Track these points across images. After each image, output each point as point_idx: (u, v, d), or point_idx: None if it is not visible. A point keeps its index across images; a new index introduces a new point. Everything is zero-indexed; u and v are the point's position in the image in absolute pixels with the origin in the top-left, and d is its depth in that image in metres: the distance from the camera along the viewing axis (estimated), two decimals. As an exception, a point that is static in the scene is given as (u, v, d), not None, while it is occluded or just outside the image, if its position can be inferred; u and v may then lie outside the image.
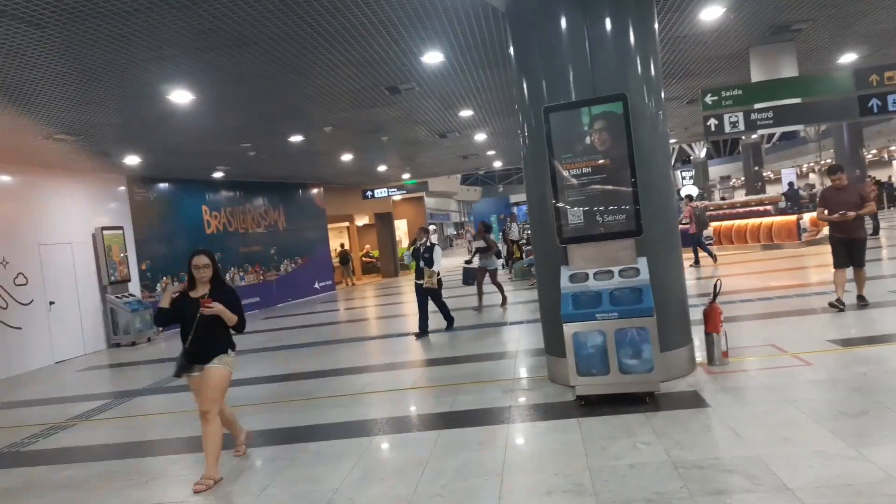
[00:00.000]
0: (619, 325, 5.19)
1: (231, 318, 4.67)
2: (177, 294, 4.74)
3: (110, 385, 9.55)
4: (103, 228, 13.29)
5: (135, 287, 14.05)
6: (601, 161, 5.65)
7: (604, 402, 5.23)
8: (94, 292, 13.08)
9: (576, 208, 5.70)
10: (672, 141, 27.43)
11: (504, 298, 12.36)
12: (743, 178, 35.03)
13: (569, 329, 5.32)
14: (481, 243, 12.60)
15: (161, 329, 13.96)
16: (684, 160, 46.19)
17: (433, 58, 8.17)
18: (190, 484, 4.54)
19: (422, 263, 9.85)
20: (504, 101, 11.13)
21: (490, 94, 10.61)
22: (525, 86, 6.21)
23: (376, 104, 10.35)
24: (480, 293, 12.62)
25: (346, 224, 26.03)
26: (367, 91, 9.46)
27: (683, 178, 35.76)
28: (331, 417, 5.98)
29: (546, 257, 6.21)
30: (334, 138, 13.05)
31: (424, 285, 9.81)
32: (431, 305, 10.11)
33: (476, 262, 12.68)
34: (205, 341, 4.65)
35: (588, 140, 5.67)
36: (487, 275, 12.54)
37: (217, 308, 4.56)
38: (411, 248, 10.58)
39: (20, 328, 11.11)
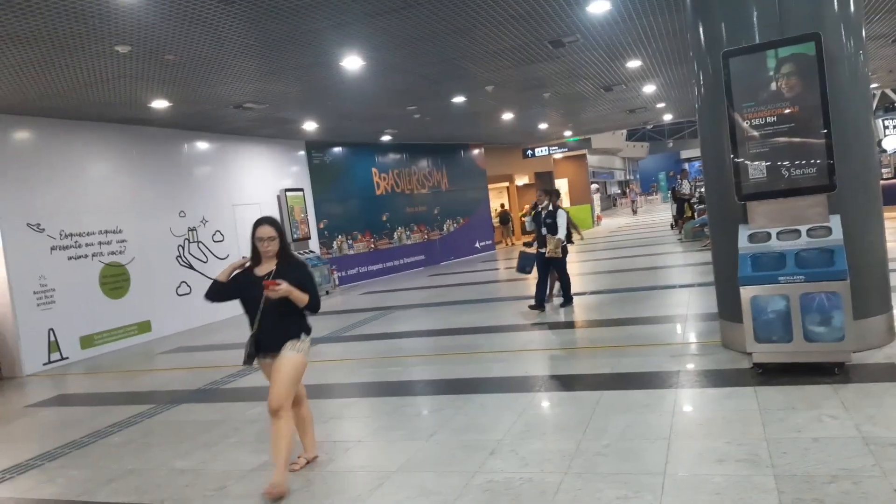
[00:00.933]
0: (805, 288, 4.74)
1: (301, 297, 3.97)
2: (240, 269, 4.12)
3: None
4: (286, 190, 14.44)
5: (314, 244, 15.19)
6: (788, 110, 5.12)
7: (784, 371, 4.84)
8: (279, 249, 14.27)
9: (758, 162, 5.24)
10: (874, 86, 24.22)
11: (567, 298, 9.20)
12: (964, 126, 30.17)
13: (747, 293, 4.95)
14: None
15: (338, 283, 15.05)
16: (888, 107, 40.75)
17: (599, 7, 7.81)
18: (365, 425, 4.87)
19: (544, 230, 8.91)
20: (677, 49, 10.41)
21: (661, 41, 9.97)
22: (701, 30, 5.76)
23: (538, 59, 10.15)
24: (551, 286, 9.60)
25: (507, 184, 26.07)
26: (529, 47, 9.29)
27: (886, 127, 31.58)
28: (494, 372, 6.10)
29: (722, 215, 5.80)
30: (496, 97, 13.02)
31: (547, 254, 8.83)
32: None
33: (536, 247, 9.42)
34: (273, 325, 4.05)
35: (773, 87, 5.16)
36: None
37: (283, 289, 3.86)
38: (531, 213, 9.47)
39: (219, 280, 12.44)
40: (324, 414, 5.52)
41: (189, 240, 11.93)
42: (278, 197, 14.39)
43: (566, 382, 5.65)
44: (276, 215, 14.26)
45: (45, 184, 9.57)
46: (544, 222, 8.93)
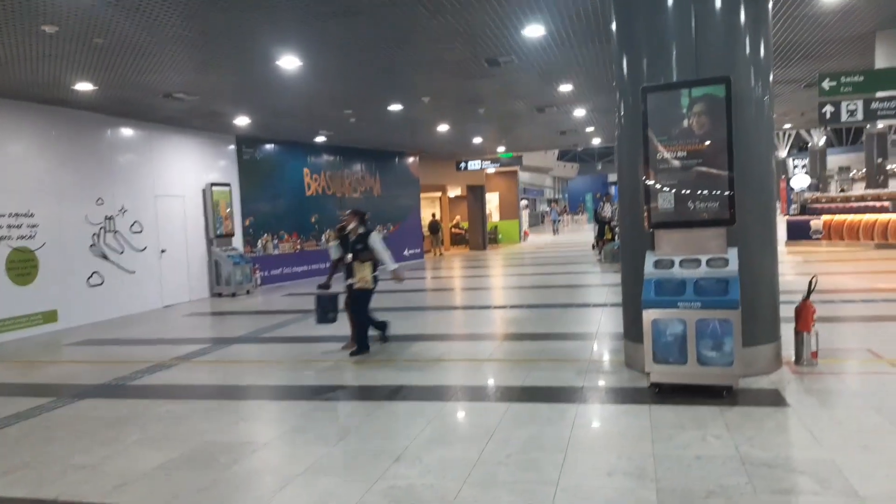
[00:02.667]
0: (701, 315, 5.09)
1: None
2: None
3: (210, 331, 10.27)
4: (212, 184, 14.13)
5: (238, 241, 14.91)
6: (698, 145, 5.49)
7: (678, 391, 5.16)
8: (201, 244, 13.98)
9: (667, 192, 5.58)
10: (787, 126, 25.85)
11: (362, 345, 7.48)
12: (864, 171, 32.61)
13: (648, 315, 5.26)
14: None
15: (260, 282, 14.86)
16: (801, 147, 43.38)
17: (534, 31, 8.11)
18: (274, 427, 4.87)
19: (348, 258, 7.44)
20: (605, 78, 10.89)
21: (591, 69, 10.41)
22: (625, 63, 6.09)
23: (475, 76, 10.39)
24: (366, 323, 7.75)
25: (439, 194, 26.33)
26: (466, 62, 9.51)
27: (796, 166, 33.72)
28: (408, 380, 6.21)
29: (632, 241, 6.13)
30: (432, 108, 13.21)
31: (356, 285, 7.37)
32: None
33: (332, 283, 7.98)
34: None
35: (686, 123, 5.51)
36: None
37: None
38: (337, 237, 7.84)
39: (134, 272, 12.09)
40: (234, 415, 5.49)
41: (105, 228, 11.50)
42: (203, 191, 14.06)
43: (477, 393, 5.81)
44: (200, 209, 13.95)
45: (-50, 160, 9.07)
46: (352, 247, 7.45)
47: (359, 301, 7.48)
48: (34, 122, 10.33)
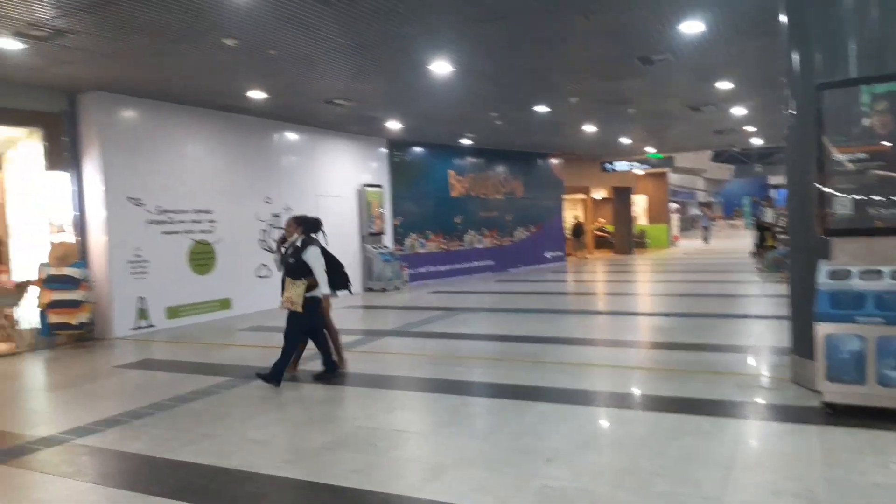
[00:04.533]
0: (883, 331, 4.63)
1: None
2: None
3: (364, 323, 10.83)
4: (366, 185, 14.88)
5: (388, 240, 15.59)
6: (881, 146, 5.00)
7: (855, 413, 4.73)
8: (355, 241, 14.78)
9: (845, 197, 5.13)
10: None
11: (329, 364, 6.80)
12: None
13: (822, 329, 4.87)
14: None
15: (408, 279, 15.47)
16: None
17: (692, 27, 7.76)
18: (426, 418, 5.05)
19: (281, 271, 6.72)
20: (770, 74, 10.18)
21: (754, 65, 9.78)
22: (796, 58, 5.67)
23: (626, 75, 10.13)
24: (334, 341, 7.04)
25: (582, 196, 25.88)
26: (617, 61, 9.31)
27: None
28: (556, 383, 6.18)
29: (803, 249, 5.69)
30: (578, 109, 13.04)
31: (282, 305, 6.52)
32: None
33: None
34: None
35: (867, 122, 5.05)
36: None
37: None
38: (279, 248, 6.93)
39: (296, 266, 13.00)
40: (387, 404, 5.76)
41: (272, 225, 12.49)
42: (358, 191, 14.84)
43: (628, 400, 5.68)
44: (355, 209, 14.74)
45: (147, 161, 10.25)
46: (284, 261, 6.66)
47: (288, 323, 6.51)
48: (213, 127, 11.43)
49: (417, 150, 16.75)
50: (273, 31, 7.18)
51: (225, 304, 11.44)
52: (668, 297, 12.50)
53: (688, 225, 40.52)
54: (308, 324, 6.55)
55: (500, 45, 8.28)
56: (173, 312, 10.56)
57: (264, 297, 12.08)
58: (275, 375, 6.39)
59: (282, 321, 10.14)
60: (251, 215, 12.08)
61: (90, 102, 9.65)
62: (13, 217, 9.75)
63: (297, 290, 6.35)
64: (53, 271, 8.95)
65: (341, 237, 14.31)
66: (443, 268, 17.14)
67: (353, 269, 14.51)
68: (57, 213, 9.56)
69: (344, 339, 8.82)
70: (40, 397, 7.02)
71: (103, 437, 5.07)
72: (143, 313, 10.08)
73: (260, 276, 12.16)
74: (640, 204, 28.29)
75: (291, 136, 13.17)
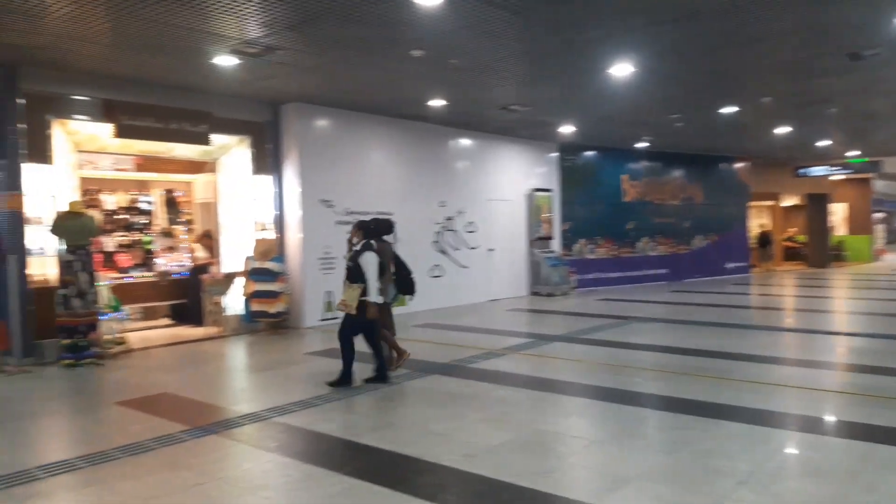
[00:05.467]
0: None
1: None
2: None
3: (532, 327, 10.84)
4: (535, 190, 14.91)
5: (556, 245, 15.49)
6: None
7: None
8: (523, 245, 14.85)
9: None
10: None
11: (380, 374, 6.75)
12: None
13: None
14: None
15: (575, 285, 15.28)
16: None
17: (916, 16, 6.90)
18: (604, 427, 4.94)
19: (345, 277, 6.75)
20: None
21: None
22: None
23: (829, 73, 9.24)
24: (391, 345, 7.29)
25: (770, 203, 23.90)
26: (819, 59, 8.52)
27: None
28: (745, 401, 5.76)
29: None
30: (771, 110, 12.10)
31: (336, 306, 6.79)
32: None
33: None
34: None
35: None
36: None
37: None
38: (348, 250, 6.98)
39: (467, 267, 13.35)
40: (563, 409, 5.72)
41: (446, 228, 12.91)
42: (527, 195, 14.90)
43: (829, 427, 5.16)
44: (523, 213, 14.82)
45: (337, 167, 11.05)
46: (347, 265, 6.73)
47: (342, 325, 6.68)
48: (394, 134, 12.05)
49: (589, 154, 16.47)
50: (457, 40, 7.42)
51: (401, 300, 11.94)
52: (870, 317, 11.19)
53: (894, 237, 35.95)
54: (361, 326, 6.57)
55: (687, 46, 7.91)
56: (354, 307, 11.27)
57: (437, 295, 12.54)
58: (341, 376, 6.58)
59: (453, 319, 10.44)
60: (426, 217, 12.58)
61: (290, 112, 10.60)
62: (224, 215, 10.96)
63: (353, 293, 6.48)
64: (257, 265, 9.94)
65: (509, 240, 14.47)
66: (613, 275, 16.68)
67: (519, 273, 14.67)
68: (261, 212, 10.61)
69: (513, 341, 8.96)
70: (243, 377, 7.83)
71: (298, 417, 5.54)
72: (329, 306, 10.87)
73: (433, 276, 12.62)
74: (838, 213, 25.59)
75: (465, 141, 13.53)
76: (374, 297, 6.43)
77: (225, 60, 8.00)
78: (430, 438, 4.91)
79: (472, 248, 13.51)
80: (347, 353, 6.60)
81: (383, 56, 8.00)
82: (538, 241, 14.93)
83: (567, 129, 13.86)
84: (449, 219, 13.00)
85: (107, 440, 5.03)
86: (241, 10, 6.30)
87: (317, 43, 7.42)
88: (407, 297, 7.42)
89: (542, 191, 15.11)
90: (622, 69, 8.84)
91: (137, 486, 4.11)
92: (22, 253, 7.95)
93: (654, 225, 17.77)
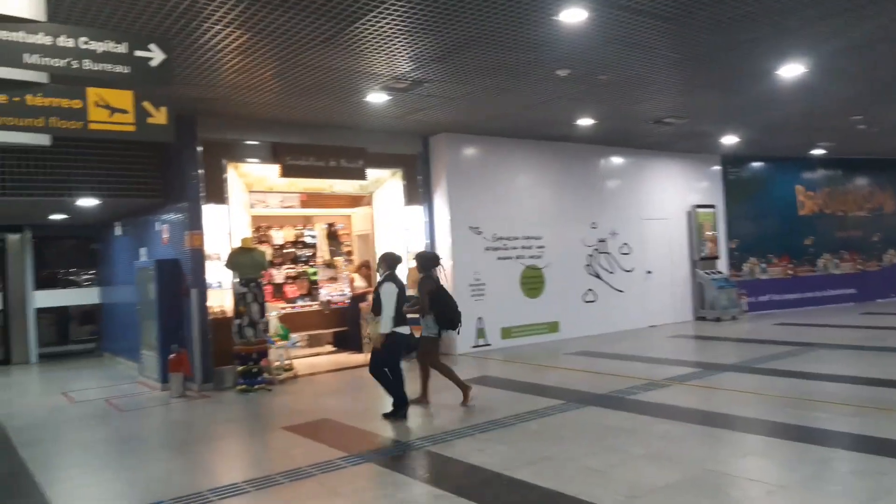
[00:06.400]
0: None
1: None
2: None
3: (698, 355, 10.06)
4: (696, 206, 13.99)
5: (722, 265, 14.40)
6: None
7: None
8: (685, 266, 13.95)
9: None
10: None
11: (397, 408, 6.71)
12: None
13: None
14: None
15: (746, 308, 14.10)
16: None
17: None
18: (787, 470, 4.38)
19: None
20: None
21: None
22: None
23: None
24: (425, 378, 7.34)
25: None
26: None
27: None
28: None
29: None
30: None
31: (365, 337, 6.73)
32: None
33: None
34: None
35: None
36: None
37: None
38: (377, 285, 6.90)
39: (622, 291, 12.75)
40: (736, 447, 5.17)
41: (598, 250, 12.46)
42: (688, 213, 14.02)
43: None
44: (684, 231, 13.96)
45: (484, 193, 11.08)
46: (375, 296, 6.74)
47: (371, 358, 6.77)
48: (540, 157, 11.87)
49: (757, 165, 15.23)
50: (605, 55, 7.15)
51: (553, 327, 11.71)
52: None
53: None
54: (385, 360, 6.61)
55: (868, 39, 7.03)
56: (506, 333, 11.15)
57: (591, 321, 12.10)
58: (397, 409, 6.61)
59: (609, 347, 10.01)
60: (577, 240, 12.21)
61: (439, 143, 10.83)
62: (380, 245, 11.36)
63: (375, 326, 6.62)
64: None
65: (669, 261, 13.66)
66: (790, 296, 15.14)
67: (682, 296, 13.79)
68: (413, 241, 10.87)
69: (676, 371, 8.34)
70: (400, 404, 7.94)
71: (452, 447, 5.47)
72: (481, 332, 10.84)
73: (587, 301, 12.19)
74: None
75: (615, 159, 13.04)
76: (386, 327, 6.51)
77: (377, 97, 8.32)
78: (589, 476, 4.61)
79: (628, 271, 12.90)
80: (389, 385, 6.65)
81: (528, 79, 7.91)
82: (702, 261, 13.96)
83: (730, 140, 12.91)
84: (601, 241, 12.53)
85: (272, 465, 5.28)
86: (390, 48, 6.51)
87: (462, 72, 7.49)
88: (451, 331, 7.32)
89: (705, 207, 14.15)
90: (792, 70, 8.05)
91: (298, 512, 4.22)
92: (202, 287, 8.70)
93: (836, 239, 15.98)
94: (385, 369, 6.67)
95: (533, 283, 11.57)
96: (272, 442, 6.12)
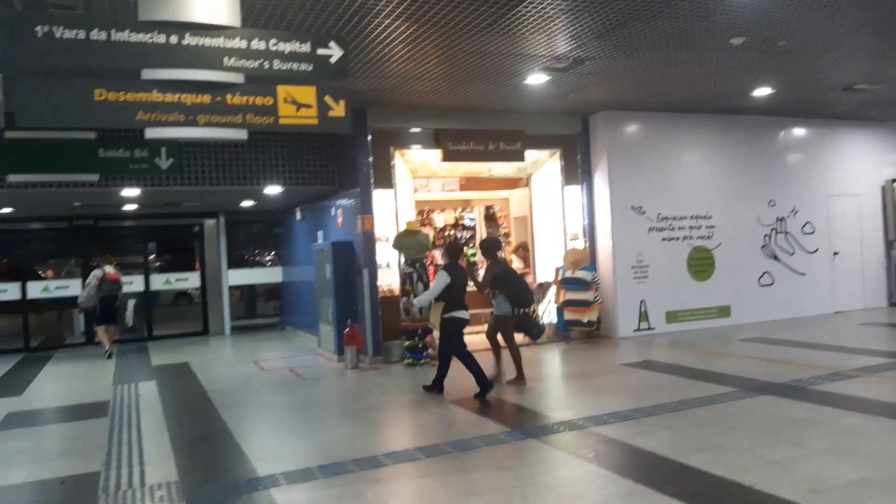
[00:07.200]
0: None
1: None
2: None
3: (892, 344, 9.11)
4: (893, 181, 12.51)
5: (924, 245, 12.79)
6: None
7: None
8: (878, 247, 12.56)
9: None
10: None
11: (519, 376, 7.37)
12: None
13: None
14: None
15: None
16: None
17: None
18: None
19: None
20: None
21: None
22: None
23: None
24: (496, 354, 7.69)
25: None
26: None
27: None
28: None
29: None
30: None
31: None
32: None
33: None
34: None
35: None
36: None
37: None
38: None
39: (804, 274, 11.75)
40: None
41: (776, 230, 11.57)
42: (883, 188, 12.58)
43: None
44: (879, 208, 12.56)
45: (647, 172, 10.68)
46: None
47: (442, 339, 7.20)
48: (709, 131, 11.19)
49: (969, 131, 13.29)
50: (784, 19, 6.60)
51: (724, 311, 11.08)
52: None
53: None
54: (445, 343, 7.01)
55: None
56: (671, 317, 10.73)
57: (767, 306, 11.32)
58: (435, 385, 7.03)
59: (788, 333, 9.40)
60: (753, 219, 11.41)
61: (599, 121, 10.59)
62: (538, 227, 11.38)
63: (435, 311, 7.14)
64: (569, 274, 10.11)
65: (859, 241, 12.38)
66: None
67: (875, 280, 12.45)
68: (571, 222, 10.77)
69: (867, 361, 7.63)
70: (559, 384, 8.00)
71: (616, 429, 5.43)
72: (644, 316, 10.54)
73: (763, 285, 11.39)
74: None
75: (797, 131, 11.97)
76: (419, 304, 7.47)
77: (536, 79, 8.32)
78: (765, 467, 4.38)
79: (811, 252, 11.85)
80: (470, 364, 6.80)
81: (698, 50, 7.51)
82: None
83: (936, 104, 11.38)
84: (780, 219, 11.61)
85: (441, 435, 5.56)
86: (550, 28, 6.49)
87: (625, 48, 7.28)
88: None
89: (903, 181, 12.62)
90: None
91: (463, 481, 4.44)
92: (373, 267, 9.28)
93: None
94: (457, 349, 6.95)
95: (701, 264, 11.01)
96: (441, 413, 6.43)
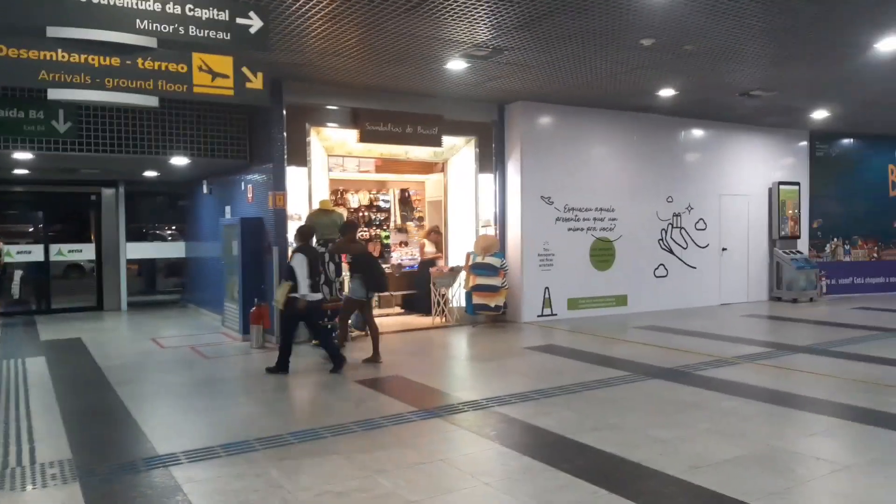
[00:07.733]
0: None
1: None
2: None
3: (771, 336, 9.85)
4: (780, 183, 13.50)
5: (803, 244, 13.91)
6: None
7: None
8: (763, 245, 13.55)
9: None
10: None
11: (375, 354, 7.86)
12: None
13: None
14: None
15: (825, 290, 13.62)
16: None
17: None
18: (855, 452, 4.34)
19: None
20: None
21: None
22: None
23: None
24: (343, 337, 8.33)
25: None
26: None
27: None
28: None
29: None
30: None
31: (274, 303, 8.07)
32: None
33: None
34: None
35: None
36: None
37: None
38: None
39: (695, 268, 12.53)
40: (804, 427, 5.15)
41: (672, 225, 12.25)
42: (770, 189, 13.56)
43: None
44: (764, 209, 13.53)
45: (557, 163, 11.02)
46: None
47: (281, 319, 7.77)
48: (618, 128, 11.68)
49: (847, 142, 14.52)
50: (692, 24, 6.97)
51: (621, 300, 11.66)
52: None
53: None
54: (286, 320, 7.48)
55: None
56: (573, 304, 11.19)
57: (662, 296, 11.99)
58: (279, 366, 7.24)
59: (679, 322, 9.97)
60: (652, 214, 12.04)
61: (515, 111, 10.82)
62: (451, 212, 11.53)
63: (281, 289, 7.36)
64: (479, 259, 10.32)
65: (745, 239, 13.31)
66: (873, 280, 14.48)
67: (758, 275, 13.44)
68: (484, 209, 10.98)
69: (747, 350, 8.25)
70: (465, 366, 8.18)
71: (517, 409, 5.66)
72: (547, 302, 10.93)
73: (658, 276, 12.06)
74: None
75: (697, 132, 12.69)
76: (302, 290, 7.17)
77: (456, 65, 8.39)
78: (653, 445, 4.71)
79: (702, 247, 12.65)
80: (284, 346, 7.28)
81: (611, 47, 7.80)
82: (782, 240, 13.52)
83: (820, 115, 12.34)
84: (676, 215, 12.31)
85: (347, 414, 5.59)
86: (472, 15, 6.56)
87: (544, 40, 7.47)
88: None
89: (788, 184, 13.63)
90: (891, 44, 7.64)
91: (370, 459, 4.51)
92: (284, 245, 9.11)
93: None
94: (327, 327, 7.88)
95: (603, 255, 11.52)
96: (347, 393, 6.46)
